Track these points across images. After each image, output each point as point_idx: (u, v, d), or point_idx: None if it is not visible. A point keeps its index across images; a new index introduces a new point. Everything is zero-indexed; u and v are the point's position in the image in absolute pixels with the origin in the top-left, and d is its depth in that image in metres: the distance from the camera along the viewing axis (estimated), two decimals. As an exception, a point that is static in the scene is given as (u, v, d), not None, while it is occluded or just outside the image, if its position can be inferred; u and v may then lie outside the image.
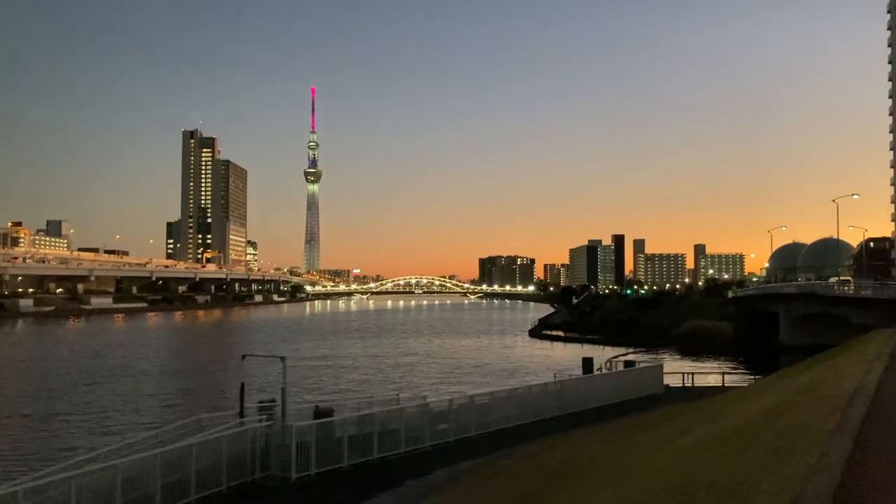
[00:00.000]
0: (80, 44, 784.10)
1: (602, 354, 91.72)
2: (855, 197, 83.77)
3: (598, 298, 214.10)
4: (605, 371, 46.76)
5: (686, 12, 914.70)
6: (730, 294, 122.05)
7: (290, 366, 71.46)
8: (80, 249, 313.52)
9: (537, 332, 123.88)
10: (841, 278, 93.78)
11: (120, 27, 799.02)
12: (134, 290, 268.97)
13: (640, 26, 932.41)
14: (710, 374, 53.78)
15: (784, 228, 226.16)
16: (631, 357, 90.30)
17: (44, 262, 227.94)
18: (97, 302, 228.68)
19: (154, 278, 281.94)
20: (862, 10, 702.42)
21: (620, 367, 47.45)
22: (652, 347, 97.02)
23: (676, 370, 53.18)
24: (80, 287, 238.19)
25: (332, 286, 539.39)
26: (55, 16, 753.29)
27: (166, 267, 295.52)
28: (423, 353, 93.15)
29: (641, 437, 22.90)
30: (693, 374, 50.55)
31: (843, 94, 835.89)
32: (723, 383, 49.79)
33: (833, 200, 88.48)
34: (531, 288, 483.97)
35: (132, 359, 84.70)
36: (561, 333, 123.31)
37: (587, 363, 46.43)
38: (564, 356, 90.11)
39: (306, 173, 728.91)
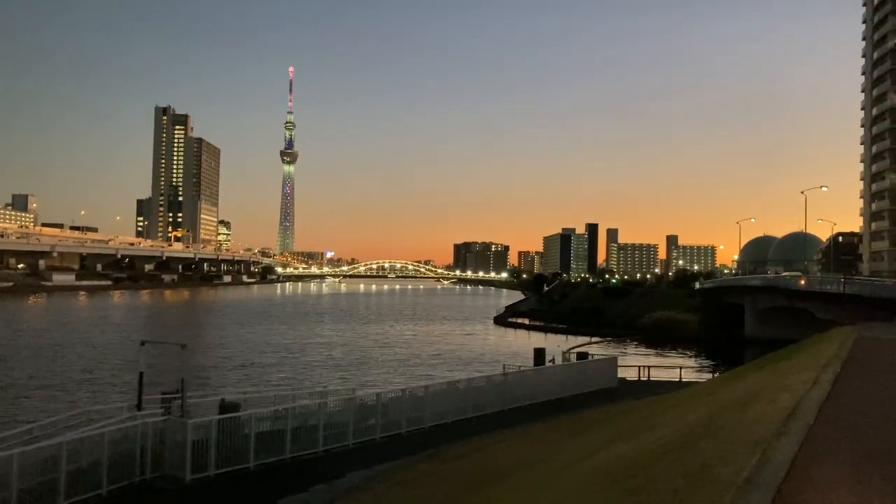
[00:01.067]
0: (52, 18, 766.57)
1: (565, 344, 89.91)
2: (824, 189, 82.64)
3: (568, 287, 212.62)
4: (557, 363, 44.57)
5: (662, 9, 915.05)
6: (697, 285, 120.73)
7: (231, 353, 69.27)
8: (44, 225, 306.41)
9: (503, 320, 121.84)
10: (789, 272, 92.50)
11: (94, 3, 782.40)
12: (99, 267, 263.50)
13: (615, 19, 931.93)
14: (668, 367, 51.90)
15: (753, 220, 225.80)
16: (595, 347, 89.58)
17: (2, 236, 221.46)
18: (59, 279, 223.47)
19: (119, 256, 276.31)
20: (834, 5, 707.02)
21: (574, 359, 45.20)
22: (617, 337, 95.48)
23: (634, 363, 51.33)
24: (42, 263, 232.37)
25: (305, 268, 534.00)
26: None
27: (130, 244, 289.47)
28: (380, 339, 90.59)
29: (572, 442, 20.71)
30: (650, 367, 48.62)
31: (816, 89, 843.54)
32: (679, 378, 47.99)
33: (801, 192, 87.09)
34: (504, 275, 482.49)
35: (72, 339, 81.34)
36: (527, 321, 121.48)
37: (538, 354, 44.27)
38: (527, 345, 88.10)
39: (282, 154, 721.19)
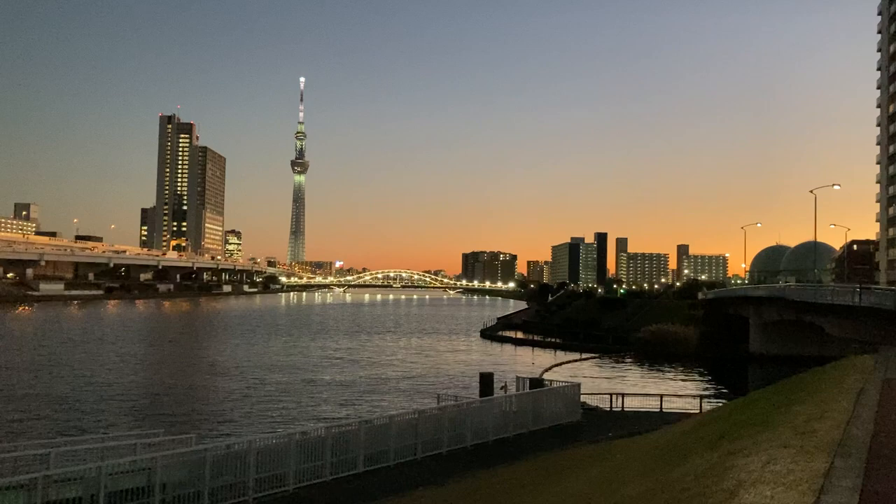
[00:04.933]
0: (59, 27, 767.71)
1: (554, 359, 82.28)
2: (836, 188, 74.49)
3: (572, 297, 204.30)
4: (511, 390, 36.87)
5: (671, 15, 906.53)
6: (700, 296, 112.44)
7: (172, 374, 61.27)
8: (38, 233, 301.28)
9: (491, 333, 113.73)
10: (800, 282, 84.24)
11: (101, 11, 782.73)
12: (91, 276, 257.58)
13: (625, 29, 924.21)
14: (645, 395, 43.96)
15: (759, 225, 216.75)
16: (586, 364, 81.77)
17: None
18: (46, 288, 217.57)
19: (111, 265, 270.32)
20: (841, 10, 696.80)
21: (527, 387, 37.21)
22: (608, 352, 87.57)
23: (604, 390, 43.65)
24: (30, 272, 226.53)
25: (309, 278, 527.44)
26: (31, 1, 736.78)
27: (115, 252, 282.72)
28: (353, 357, 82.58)
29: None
30: (623, 395, 40.77)
31: (830, 96, 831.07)
32: (660, 407, 40.17)
33: (811, 191, 78.92)
34: (511, 284, 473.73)
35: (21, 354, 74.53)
36: (520, 335, 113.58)
37: (485, 381, 36.58)
38: (510, 362, 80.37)
39: (293, 164, 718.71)
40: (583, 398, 44.13)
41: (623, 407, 40.00)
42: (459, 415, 29.57)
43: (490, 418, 30.79)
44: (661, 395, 41.07)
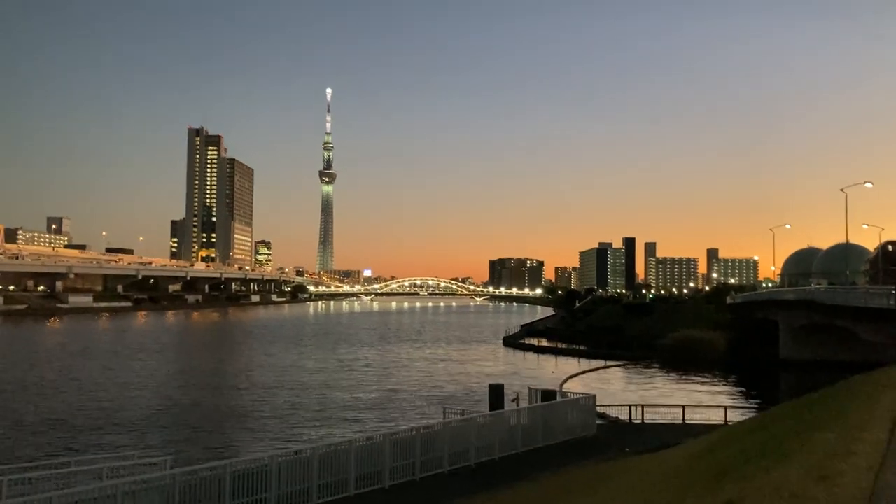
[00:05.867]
0: (86, 41, 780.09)
1: (577, 367, 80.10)
2: (868, 185, 71.39)
3: (598, 303, 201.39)
4: (519, 404, 35.14)
5: (701, 18, 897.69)
6: (728, 300, 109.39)
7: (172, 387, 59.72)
8: (68, 247, 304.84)
9: (513, 341, 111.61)
10: (832, 284, 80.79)
11: (128, 24, 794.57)
12: (119, 288, 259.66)
13: (655, 32, 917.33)
14: (668, 406, 41.82)
15: (788, 227, 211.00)
16: (612, 371, 79.55)
17: (17, 258, 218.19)
18: (75, 300, 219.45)
19: (140, 276, 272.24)
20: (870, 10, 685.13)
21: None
22: (634, 359, 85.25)
23: (627, 400, 41.63)
24: (60, 285, 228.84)
25: (337, 287, 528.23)
26: (61, 14, 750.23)
27: (142, 264, 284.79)
28: (367, 367, 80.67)
29: None
30: (643, 406, 38.83)
31: (859, 93, 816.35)
32: (683, 419, 38.17)
33: (841, 189, 75.91)
34: (539, 291, 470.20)
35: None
36: (543, 342, 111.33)
37: (496, 393, 34.87)
38: (533, 370, 78.50)
39: (321, 174, 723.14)
40: (603, 409, 42.40)
41: (643, 418, 38.07)
42: (463, 430, 27.93)
43: (496, 433, 29.13)
44: (684, 406, 39.01)
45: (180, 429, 44.20)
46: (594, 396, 34.75)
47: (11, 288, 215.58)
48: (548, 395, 33.84)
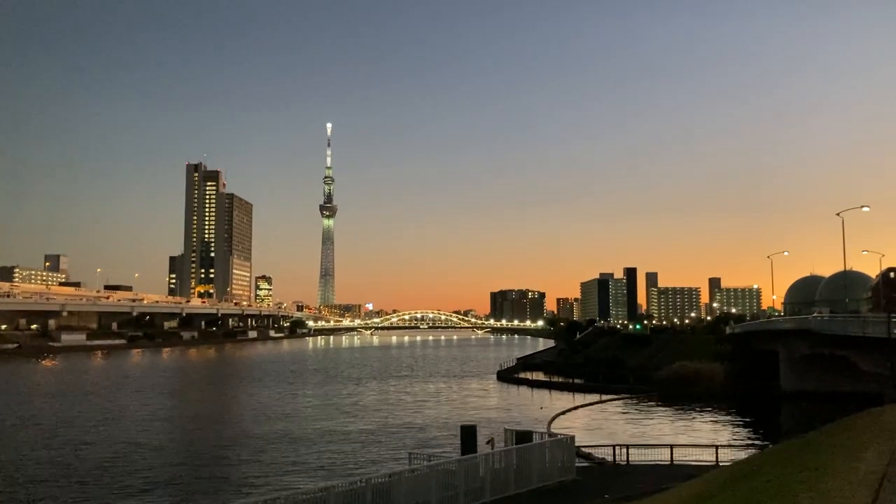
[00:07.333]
0: (85, 76, 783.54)
1: (571, 402, 77.24)
2: (865, 210, 69.12)
3: (600, 334, 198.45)
4: (494, 447, 32.53)
5: (700, 42, 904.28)
6: (727, 330, 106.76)
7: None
8: (63, 284, 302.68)
9: (508, 375, 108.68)
10: (834, 313, 78.24)
11: (127, 59, 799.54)
12: (114, 326, 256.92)
13: (651, 59, 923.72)
14: (653, 446, 39.12)
15: (786, 254, 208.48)
16: (609, 406, 76.60)
17: (8, 296, 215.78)
18: (68, 339, 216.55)
19: (134, 313, 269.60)
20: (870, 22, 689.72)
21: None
22: (631, 393, 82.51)
23: (616, 438, 38.94)
24: (52, 323, 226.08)
25: (336, 321, 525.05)
26: (60, 50, 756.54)
27: (134, 301, 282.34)
28: (349, 406, 77.32)
29: None
30: (628, 446, 36.23)
31: (861, 117, 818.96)
32: (671, 459, 35.56)
33: (838, 214, 73.66)
34: (540, 322, 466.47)
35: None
36: (539, 376, 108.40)
37: (467, 434, 32.34)
38: (525, 407, 75.68)
39: (322, 208, 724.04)
40: (587, 450, 39.82)
41: (628, 459, 35.48)
42: (423, 479, 25.40)
43: (463, 481, 26.59)
44: (672, 446, 36.36)
45: (138, 479, 41.58)
46: (573, 438, 32.24)
47: (3, 327, 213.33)
48: (524, 436, 31.30)
